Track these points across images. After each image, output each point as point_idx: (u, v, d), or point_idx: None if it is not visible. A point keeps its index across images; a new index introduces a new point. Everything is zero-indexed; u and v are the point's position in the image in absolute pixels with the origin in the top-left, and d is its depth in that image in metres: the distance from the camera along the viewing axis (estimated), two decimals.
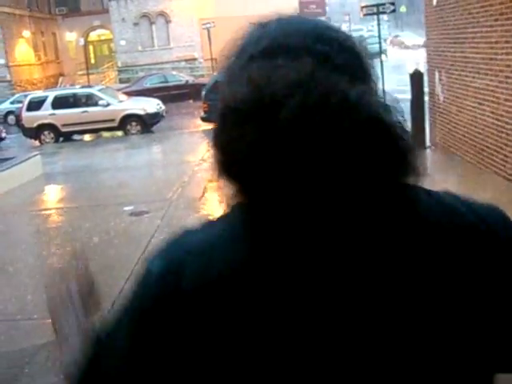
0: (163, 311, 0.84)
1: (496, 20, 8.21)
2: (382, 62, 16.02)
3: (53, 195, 11.33)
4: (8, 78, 35.89)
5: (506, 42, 7.94)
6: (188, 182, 10.61)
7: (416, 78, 11.40)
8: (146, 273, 0.90)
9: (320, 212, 0.79)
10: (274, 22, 0.93)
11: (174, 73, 30.31)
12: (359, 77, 0.86)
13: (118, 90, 24.31)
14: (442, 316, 0.81)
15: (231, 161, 0.85)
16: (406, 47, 41.00)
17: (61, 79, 39.28)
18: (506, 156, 8.26)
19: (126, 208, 8.90)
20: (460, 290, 0.82)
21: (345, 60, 0.86)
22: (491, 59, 8.44)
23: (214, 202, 9.50)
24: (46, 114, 18.39)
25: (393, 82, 23.56)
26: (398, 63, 27.70)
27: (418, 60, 12.25)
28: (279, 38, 0.88)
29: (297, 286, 0.81)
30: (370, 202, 0.80)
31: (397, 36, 50.95)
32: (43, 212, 9.67)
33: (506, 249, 0.87)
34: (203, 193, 9.67)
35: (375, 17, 16.67)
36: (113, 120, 18.46)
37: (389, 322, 0.80)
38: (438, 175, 9.89)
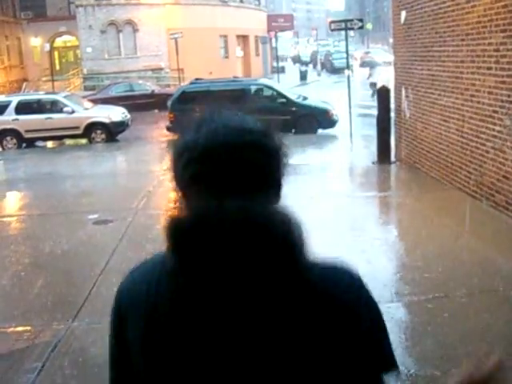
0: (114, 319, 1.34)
1: (462, 40, 8.38)
2: (348, 77, 16.24)
3: (15, 202, 11.11)
4: None
5: (472, 61, 8.11)
6: (153, 192, 10.52)
7: (383, 94, 11.57)
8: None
9: (225, 281, 1.16)
10: (205, 128, 1.23)
11: (140, 82, 30.11)
12: (271, 169, 1.22)
13: (84, 97, 24.03)
14: (286, 347, 1.19)
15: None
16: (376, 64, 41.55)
17: (24, 84, 38.66)
18: (469, 172, 8.41)
19: (91, 216, 8.78)
20: (305, 337, 1.19)
21: (269, 158, 1.21)
22: (457, 78, 8.61)
23: None
24: (8, 119, 18.04)
25: (359, 97, 23.87)
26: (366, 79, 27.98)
27: (388, 77, 12.39)
28: (211, 148, 1.19)
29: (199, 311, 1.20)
30: (263, 273, 1.15)
31: (367, 53, 51.66)
32: (4, 219, 9.47)
33: (346, 318, 1.22)
34: (168, 202, 9.59)
35: (341, 32, 16.90)
36: (77, 127, 18.22)
37: (250, 346, 1.19)
38: (402, 190, 10.03)
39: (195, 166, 1.18)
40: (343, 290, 1.23)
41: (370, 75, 26.58)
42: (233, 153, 1.17)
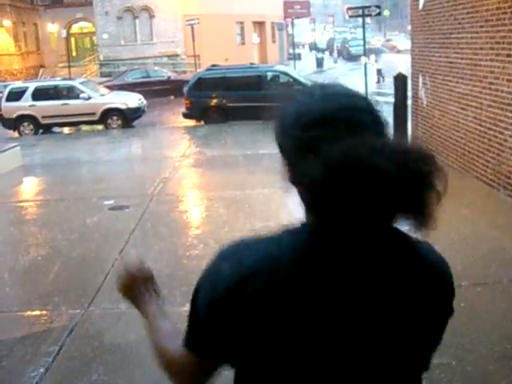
0: (229, 303, 1.22)
1: (481, 26, 8.28)
2: (365, 64, 16.13)
3: (32, 187, 11.20)
4: None
5: (491, 48, 8.01)
6: (169, 178, 10.54)
7: (400, 82, 11.47)
8: (215, 270, 1.27)
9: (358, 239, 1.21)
10: (318, 94, 1.28)
11: (157, 68, 30.13)
12: (383, 133, 1.25)
13: (100, 83, 24.09)
14: (405, 318, 1.26)
15: (325, 204, 1.16)
16: (399, 51, 41.25)
17: (41, 71, 38.84)
18: (487, 161, 8.34)
19: (107, 202, 8.82)
20: (420, 309, 1.28)
21: (378, 124, 1.25)
22: (475, 65, 8.51)
23: (195, 198, 9.47)
24: (25, 105, 18.16)
25: (375, 84, 23.75)
26: (388, 66, 27.84)
27: (408, 64, 12.31)
28: (330, 111, 1.23)
29: (327, 293, 1.22)
30: (387, 244, 1.26)
31: (389, 40, 51.27)
32: (22, 204, 9.54)
33: (446, 292, 1.34)
34: (184, 188, 9.61)
35: (357, 19, 16.79)
36: (94, 113, 18.29)
37: (372, 318, 1.24)
38: None
39: (315, 129, 1.20)
40: (445, 266, 1.37)
41: (376, 62, 27.90)
42: (351, 116, 1.22)
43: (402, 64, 21.43)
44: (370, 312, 1.23)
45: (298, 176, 1.21)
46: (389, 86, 14.24)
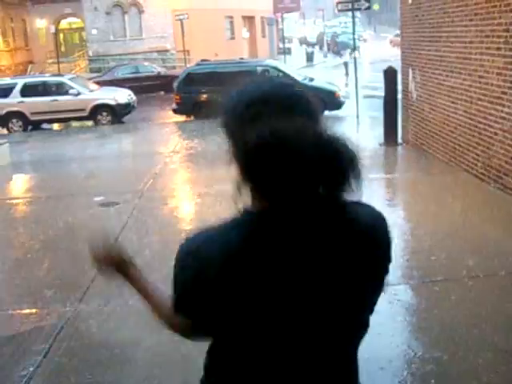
0: (200, 281, 1.42)
1: (471, 20, 8.27)
2: (355, 58, 16.11)
3: (21, 184, 11.12)
4: None
5: (480, 42, 8.01)
6: (159, 174, 10.50)
7: (390, 76, 11.45)
8: (180, 250, 1.47)
9: (301, 212, 1.38)
10: (260, 81, 1.57)
11: (146, 64, 29.98)
12: (318, 121, 1.42)
13: (89, 79, 23.94)
14: (346, 271, 1.45)
15: (265, 182, 1.34)
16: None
17: (30, 67, 38.54)
18: (477, 155, 8.35)
19: (96, 198, 8.77)
20: (360, 265, 1.46)
21: (312, 112, 1.43)
22: (465, 59, 8.51)
23: (185, 194, 9.43)
24: (14, 101, 18.02)
25: (366, 79, 23.74)
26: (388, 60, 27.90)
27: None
28: (270, 93, 1.43)
29: (273, 261, 1.39)
30: (322, 212, 1.40)
31: (397, 35, 51.56)
32: (11, 201, 9.47)
33: (379, 244, 1.53)
34: (173, 184, 9.57)
35: (347, 13, 16.75)
36: (83, 110, 18.18)
37: (322, 280, 1.43)
38: (409, 172, 9.98)
39: (257, 106, 1.38)
40: (379, 222, 1.54)
41: (342, 55, 30.84)
42: (288, 98, 1.41)
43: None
44: (314, 269, 1.41)
45: (236, 148, 1.39)
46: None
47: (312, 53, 41.43)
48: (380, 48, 45.40)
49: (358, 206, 1.49)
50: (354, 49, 17.45)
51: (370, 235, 1.48)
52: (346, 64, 28.08)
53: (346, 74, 27.21)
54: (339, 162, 1.33)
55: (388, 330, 4.33)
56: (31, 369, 4.11)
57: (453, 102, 9.10)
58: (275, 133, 1.30)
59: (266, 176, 1.31)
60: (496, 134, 7.72)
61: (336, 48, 46.02)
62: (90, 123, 18.79)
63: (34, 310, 5.11)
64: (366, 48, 46.58)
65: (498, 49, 7.48)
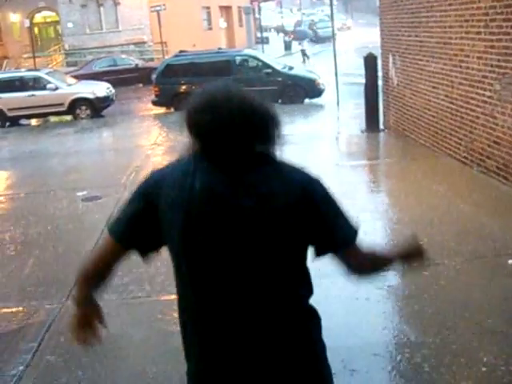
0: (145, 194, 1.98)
1: (450, 5, 8.28)
2: (334, 46, 16.09)
3: (1, 181, 10.97)
4: None
5: (460, 26, 8.02)
6: (141, 167, 10.40)
7: (370, 62, 11.45)
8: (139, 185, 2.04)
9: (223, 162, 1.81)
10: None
11: (124, 56, 29.72)
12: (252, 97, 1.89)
13: (67, 73, 23.65)
14: (277, 228, 1.77)
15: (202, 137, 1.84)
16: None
17: (5, 62, 37.99)
18: (459, 139, 8.38)
19: (79, 193, 8.69)
20: (289, 217, 1.77)
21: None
22: (445, 43, 8.53)
23: None
24: None
25: (345, 66, 23.75)
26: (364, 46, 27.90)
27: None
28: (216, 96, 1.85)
29: (205, 192, 1.80)
30: (246, 160, 1.80)
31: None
32: None
33: (315, 204, 1.81)
34: None
35: (324, 1, 16.69)
36: (61, 104, 17.97)
37: (251, 232, 1.77)
38: (392, 158, 9.99)
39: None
40: (307, 182, 1.83)
41: (300, 43, 33.11)
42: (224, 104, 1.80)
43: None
44: (244, 208, 1.74)
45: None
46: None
47: (290, 41, 41.32)
48: (367, 35, 45.32)
49: (294, 168, 1.84)
50: (333, 36, 17.41)
51: (298, 187, 1.78)
52: (303, 51, 30.46)
53: (303, 61, 29.03)
54: (263, 122, 1.75)
55: (379, 317, 4.33)
56: (21, 367, 4.06)
57: (434, 87, 9.11)
58: (207, 98, 1.80)
59: (199, 127, 1.79)
60: (478, 117, 7.74)
61: (295, 36, 45.54)
62: (69, 118, 18.58)
63: (20, 308, 5.04)
64: (350, 35, 46.43)
65: (478, 33, 7.49)
